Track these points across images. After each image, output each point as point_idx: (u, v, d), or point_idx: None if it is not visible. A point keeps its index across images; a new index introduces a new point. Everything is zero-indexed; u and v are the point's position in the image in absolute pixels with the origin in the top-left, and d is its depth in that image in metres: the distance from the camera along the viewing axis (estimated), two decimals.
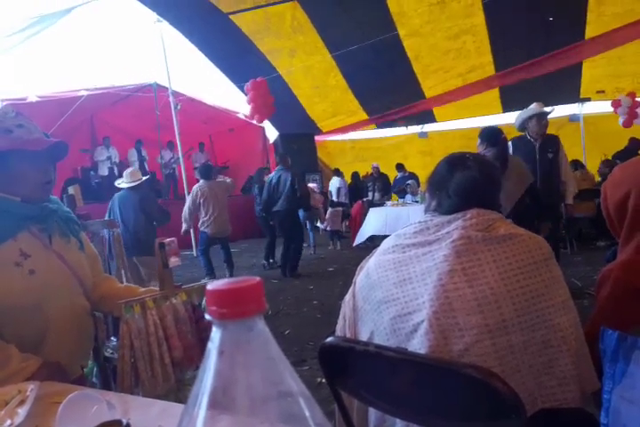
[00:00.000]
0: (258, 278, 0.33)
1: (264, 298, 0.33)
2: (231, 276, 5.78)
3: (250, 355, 0.33)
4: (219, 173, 7.36)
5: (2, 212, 1.25)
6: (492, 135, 3.97)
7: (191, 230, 8.62)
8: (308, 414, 0.33)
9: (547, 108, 4.13)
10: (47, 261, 1.30)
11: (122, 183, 4.82)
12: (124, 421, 0.73)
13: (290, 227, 6.23)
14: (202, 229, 5.99)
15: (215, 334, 0.33)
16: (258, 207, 6.96)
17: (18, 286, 1.22)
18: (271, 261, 7.00)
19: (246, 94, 8.41)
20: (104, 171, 10.70)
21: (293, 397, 0.33)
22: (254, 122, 12.06)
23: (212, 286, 0.33)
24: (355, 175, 11.24)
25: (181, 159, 8.90)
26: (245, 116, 11.98)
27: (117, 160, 10.82)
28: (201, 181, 5.98)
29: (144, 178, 4.89)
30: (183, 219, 5.99)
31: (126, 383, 1.26)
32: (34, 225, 1.32)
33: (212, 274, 5.94)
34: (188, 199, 6.05)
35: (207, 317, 0.32)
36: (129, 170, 4.99)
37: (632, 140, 8.07)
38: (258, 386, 0.32)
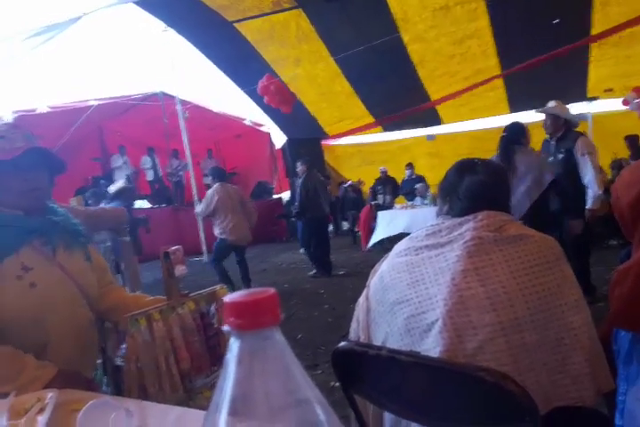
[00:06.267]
0: (273, 290, 0.35)
1: (279, 309, 0.35)
2: None
3: (266, 364, 0.34)
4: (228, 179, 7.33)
5: (3, 227, 1.25)
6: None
7: (203, 237, 8.63)
8: (324, 420, 0.34)
9: (550, 106, 3.93)
10: (49, 274, 1.30)
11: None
12: None
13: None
14: (220, 236, 5.39)
15: (233, 344, 0.34)
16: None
17: (17, 299, 1.22)
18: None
19: (253, 99, 8.45)
20: (122, 178, 10.84)
21: (310, 404, 0.34)
22: (263, 129, 12.20)
23: (229, 298, 0.34)
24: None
25: (190, 166, 8.95)
26: (252, 123, 12.07)
27: (131, 168, 10.97)
28: (216, 184, 5.43)
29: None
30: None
31: (133, 397, 1.25)
32: (37, 238, 1.31)
33: (230, 283, 5.24)
34: (202, 203, 5.57)
35: (225, 328, 0.34)
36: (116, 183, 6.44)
37: (628, 139, 7.50)
38: (275, 394, 0.34)
